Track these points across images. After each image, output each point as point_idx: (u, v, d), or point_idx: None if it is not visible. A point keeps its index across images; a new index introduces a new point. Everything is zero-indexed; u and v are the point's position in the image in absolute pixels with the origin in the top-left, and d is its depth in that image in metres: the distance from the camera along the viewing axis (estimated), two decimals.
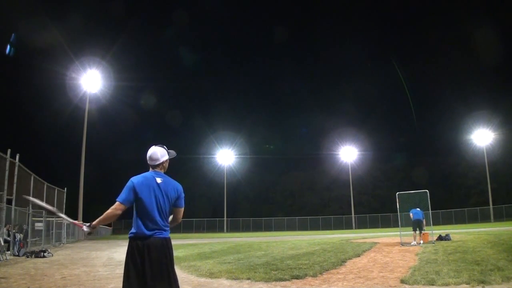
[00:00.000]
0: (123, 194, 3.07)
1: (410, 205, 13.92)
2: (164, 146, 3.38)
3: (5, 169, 11.84)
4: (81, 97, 39.64)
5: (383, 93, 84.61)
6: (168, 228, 3.16)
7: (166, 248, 3.05)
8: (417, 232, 13.29)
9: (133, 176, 3.23)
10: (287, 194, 79.86)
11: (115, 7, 74.72)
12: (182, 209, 3.28)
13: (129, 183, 3.11)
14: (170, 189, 3.20)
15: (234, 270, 7.80)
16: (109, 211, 3.03)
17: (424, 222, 13.64)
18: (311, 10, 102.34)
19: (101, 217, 3.04)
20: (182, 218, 3.35)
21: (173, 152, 3.39)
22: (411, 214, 13.55)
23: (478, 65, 70.27)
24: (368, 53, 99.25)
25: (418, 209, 13.68)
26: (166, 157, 3.33)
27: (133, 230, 3.07)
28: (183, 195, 3.28)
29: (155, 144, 3.35)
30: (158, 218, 3.07)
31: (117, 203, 3.05)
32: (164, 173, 3.32)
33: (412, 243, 12.98)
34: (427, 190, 14.36)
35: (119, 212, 3.04)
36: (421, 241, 13.26)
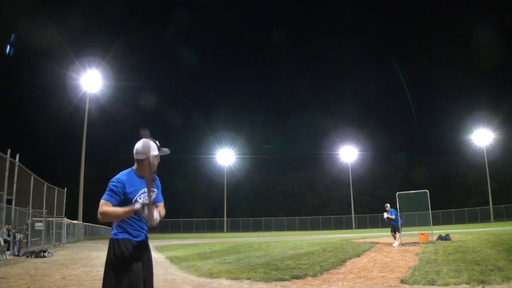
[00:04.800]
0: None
1: (410, 205, 13.92)
2: (156, 141, 3.00)
3: (5, 169, 11.84)
4: (81, 97, 39.70)
5: (383, 93, 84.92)
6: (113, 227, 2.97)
7: None
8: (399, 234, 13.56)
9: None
10: (287, 194, 79.88)
11: (115, 7, 74.79)
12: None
13: None
14: None
15: (234, 270, 7.80)
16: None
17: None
18: (311, 10, 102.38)
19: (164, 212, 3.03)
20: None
21: (166, 149, 3.01)
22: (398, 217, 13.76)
23: (478, 65, 70.38)
24: (368, 53, 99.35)
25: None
26: (155, 151, 2.93)
27: None
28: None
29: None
30: None
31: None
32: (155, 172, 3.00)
33: (396, 244, 13.15)
34: (427, 190, 14.35)
35: None
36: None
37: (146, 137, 2.92)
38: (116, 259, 2.76)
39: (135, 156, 2.92)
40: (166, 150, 2.99)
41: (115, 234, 2.86)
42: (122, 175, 2.88)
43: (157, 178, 3.06)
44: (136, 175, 2.91)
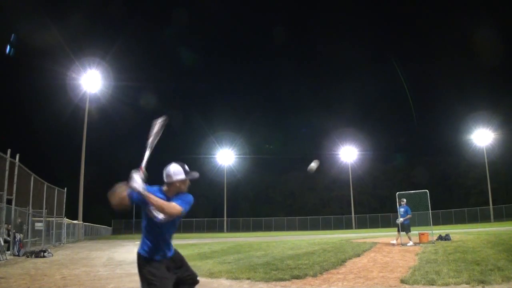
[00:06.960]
0: (188, 206, 3.03)
1: (410, 205, 13.89)
2: (185, 165, 3.11)
3: (5, 169, 11.84)
4: (81, 97, 39.70)
5: (383, 93, 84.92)
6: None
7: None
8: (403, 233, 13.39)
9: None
10: (287, 194, 79.87)
11: (115, 7, 74.83)
12: None
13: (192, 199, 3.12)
14: None
15: (234, 270, 7.79)
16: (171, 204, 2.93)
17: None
18: (311, 10, 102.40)
19: (161, 202, 2.89)
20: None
21: (194, 173, 3.12)
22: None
23: (478, 65, 70.42)
24: (368, 53, 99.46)
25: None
26: (181, 176, 3.03)
27: None
28: None
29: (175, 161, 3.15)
30: None
31: (181, 208, 2.95)
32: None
33: (394, 242, 13.04)
34: (427, 190, 14.34)
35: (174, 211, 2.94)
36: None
37: (193, 176, 3.13)
38: (142, 271, 2.99)
39: (165, 180, 3.06)
40: (195, 174, 3.13)
41: (139, 248, 3.09)
42: (151, 186, 3.03)
43: (189, 195, 3.16)
44: (164, 194, 3.04)
